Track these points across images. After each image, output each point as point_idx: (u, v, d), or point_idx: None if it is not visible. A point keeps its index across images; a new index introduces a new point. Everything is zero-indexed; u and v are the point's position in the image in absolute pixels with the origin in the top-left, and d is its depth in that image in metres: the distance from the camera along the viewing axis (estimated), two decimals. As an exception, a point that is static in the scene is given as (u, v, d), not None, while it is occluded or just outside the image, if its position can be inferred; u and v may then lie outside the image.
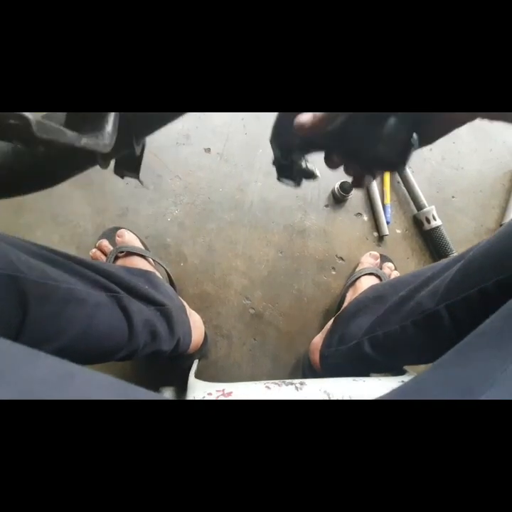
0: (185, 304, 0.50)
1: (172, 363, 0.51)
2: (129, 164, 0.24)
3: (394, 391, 0.22)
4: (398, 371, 0.43)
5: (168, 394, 0.45)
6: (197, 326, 0.50)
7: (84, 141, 0.17)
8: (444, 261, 0.40)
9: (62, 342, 0.28)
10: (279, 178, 0.28)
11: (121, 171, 0.25)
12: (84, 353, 0.31)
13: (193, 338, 0.48)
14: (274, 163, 0.27)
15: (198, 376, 0.44)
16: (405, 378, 0.38)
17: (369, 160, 0.23)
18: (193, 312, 0.52)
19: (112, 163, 0.23)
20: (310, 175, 0.26)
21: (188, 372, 0.43)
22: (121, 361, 0.37)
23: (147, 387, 0.17)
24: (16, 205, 0.58)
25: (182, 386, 0.43)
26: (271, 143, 0.25)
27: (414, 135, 0.22)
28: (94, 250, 0.53)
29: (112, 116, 0.19)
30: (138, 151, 0.23)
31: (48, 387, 0.14)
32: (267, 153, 0.63)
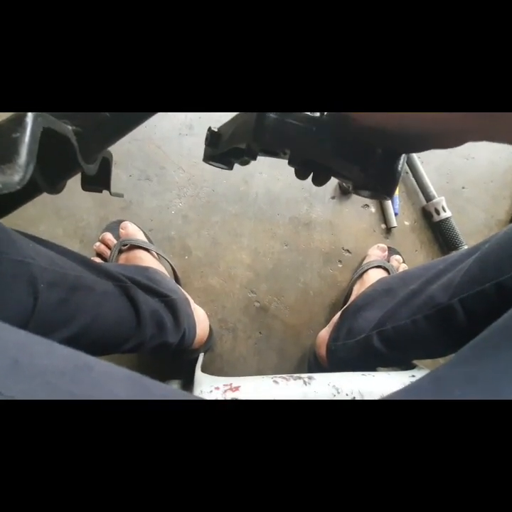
0: (189, 297, 0.49)
1: (177, 357, 0.51)
2: (95, 180, 0.22)
3: (408, 390, 0.21)
4: (407, 365, 0.42)
5: (175, 387, 0.45)
6: (201, 321, 0.50)
7: None
8: (456, 253, 0.38)
9: (70, 331, 0.27)
10: (208, 161, 0.26)
11: (89, 187, 0.23)
12: (93, 343, 0.31)
13: (197, 333, 0.47)
14: (211, 146, 0.25)
15: (203, 370, 0.43)
16: (415, 372, 0.37)
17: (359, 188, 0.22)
18: (198, 307, 0.52)
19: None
20: (246, 163, 0.25)
21: (194, 365, 0.43)
22: (128, 353, 0.37)
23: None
24: (19, 198, 0.57)
25: (188, 379, 0.43)
26: (253, 141, 0.21)
27: (400, 163, 0.21)
28: (98, 244, 0.52)
29: (25, 146, 0.14)
30: (92, 170, 0.21)
31: (65, 380, 0.13)
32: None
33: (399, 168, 0.21)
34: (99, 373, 0.15)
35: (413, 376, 0.36)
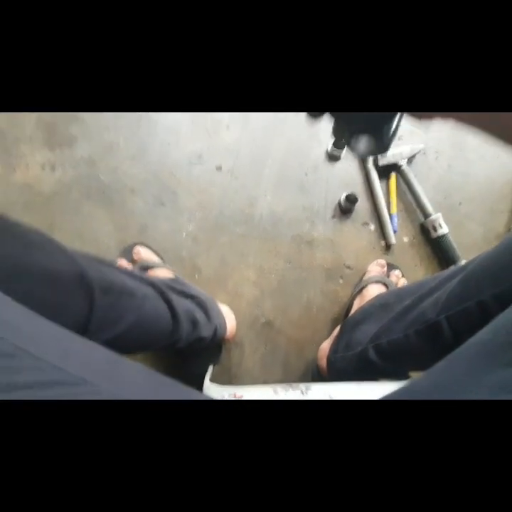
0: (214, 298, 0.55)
1: (201, 356, 0.55)
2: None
3: (386, 396, 0.24)
4: (403, 377, 0.44)
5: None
6: (228, 315, 0.55)
7: None
8: (448, 270, 0.41)
9: (118, 330, 0.32)
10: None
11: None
12: (136, 340, 0.36)
13: (228, 326, 0.53)
14: None
15: (212, 381, 0.47)
16: (408, 384, 0.39)
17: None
18: (222, 305, 0.57)
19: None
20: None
21: (203, 378, 0.46)
22: (165, 349, 0.41)
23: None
24: (48, 224, 0.64)
25: (197, 389, 0.46)
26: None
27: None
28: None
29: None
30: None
31: (104, 372, 0.19)
32: (277, 161, 0.66)
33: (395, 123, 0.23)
34: (125, 366, 0.20)
35: (406, 387, 0.38)
